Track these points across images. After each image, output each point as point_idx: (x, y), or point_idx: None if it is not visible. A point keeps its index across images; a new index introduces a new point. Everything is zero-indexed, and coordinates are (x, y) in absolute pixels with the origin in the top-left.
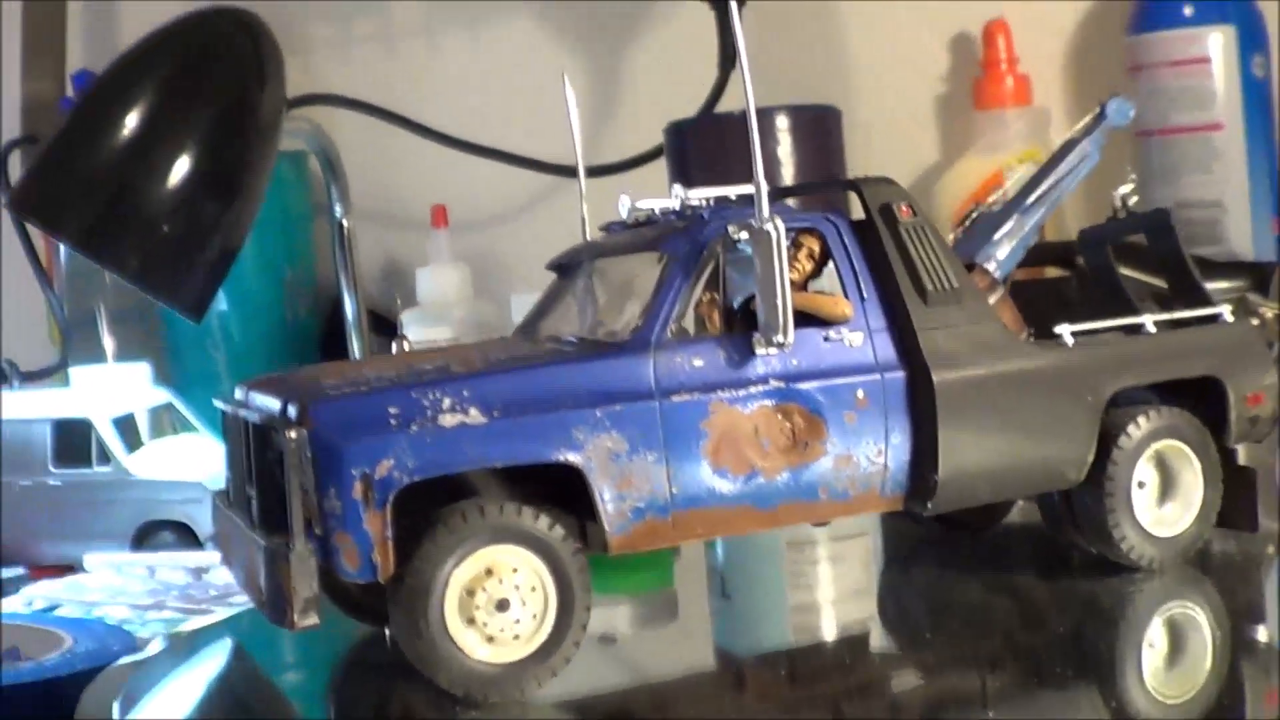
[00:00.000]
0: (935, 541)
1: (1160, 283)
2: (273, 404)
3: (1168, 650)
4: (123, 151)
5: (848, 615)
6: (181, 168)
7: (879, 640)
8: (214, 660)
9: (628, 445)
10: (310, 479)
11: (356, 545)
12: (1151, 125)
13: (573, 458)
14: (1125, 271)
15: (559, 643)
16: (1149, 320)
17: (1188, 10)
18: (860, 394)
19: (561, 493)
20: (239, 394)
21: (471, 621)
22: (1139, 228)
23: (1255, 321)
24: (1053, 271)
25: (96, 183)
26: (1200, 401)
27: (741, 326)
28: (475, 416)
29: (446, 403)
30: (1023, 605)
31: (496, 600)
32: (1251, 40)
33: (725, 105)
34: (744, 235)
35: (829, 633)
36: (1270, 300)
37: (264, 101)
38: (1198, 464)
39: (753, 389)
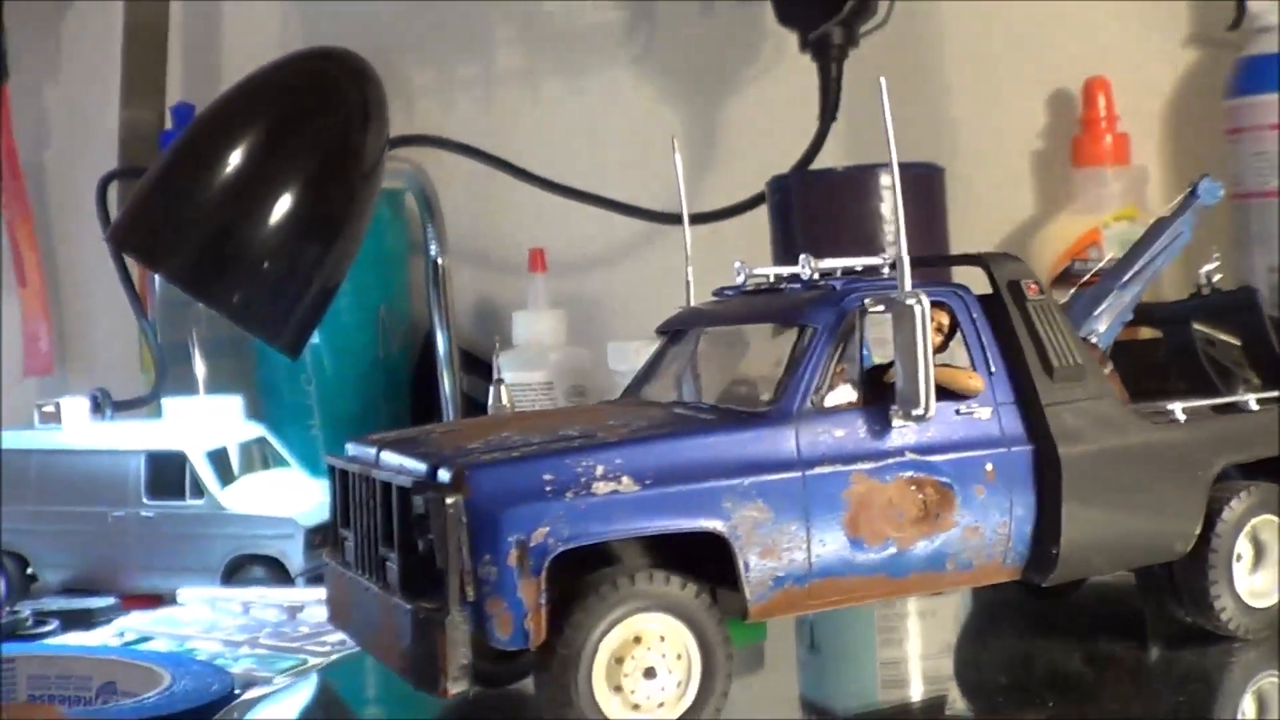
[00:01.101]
0: (1020, 601)
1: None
2: (417, 466)
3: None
4: (226, 190)
5: (935, 672)
6: (284, 207)
7: (961, 705)
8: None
9: (772, 515)
10: (465, 545)
11: (510, 612)
12: (1251, 188)
13: (720, 527)
14: (1224, 338)
15: (701, 710)
16: (1252, 399)
17: None
18: (989, 467)
19: (694, 556)
20: (359, 451)
21: (618, 689)
22: (1223, 305)
23: None
24: (1146, 333)
25: (199, 220)
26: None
27: (866, 396)
28: (628, 485)
29: (599, 470)
30: (1112, 671)
31: (645, 668)
32: None
33: (823, 158)
34: (879, 308)
35: (915, 692)
36: None
37: (367, 144)
38: None
39: (890, 461)
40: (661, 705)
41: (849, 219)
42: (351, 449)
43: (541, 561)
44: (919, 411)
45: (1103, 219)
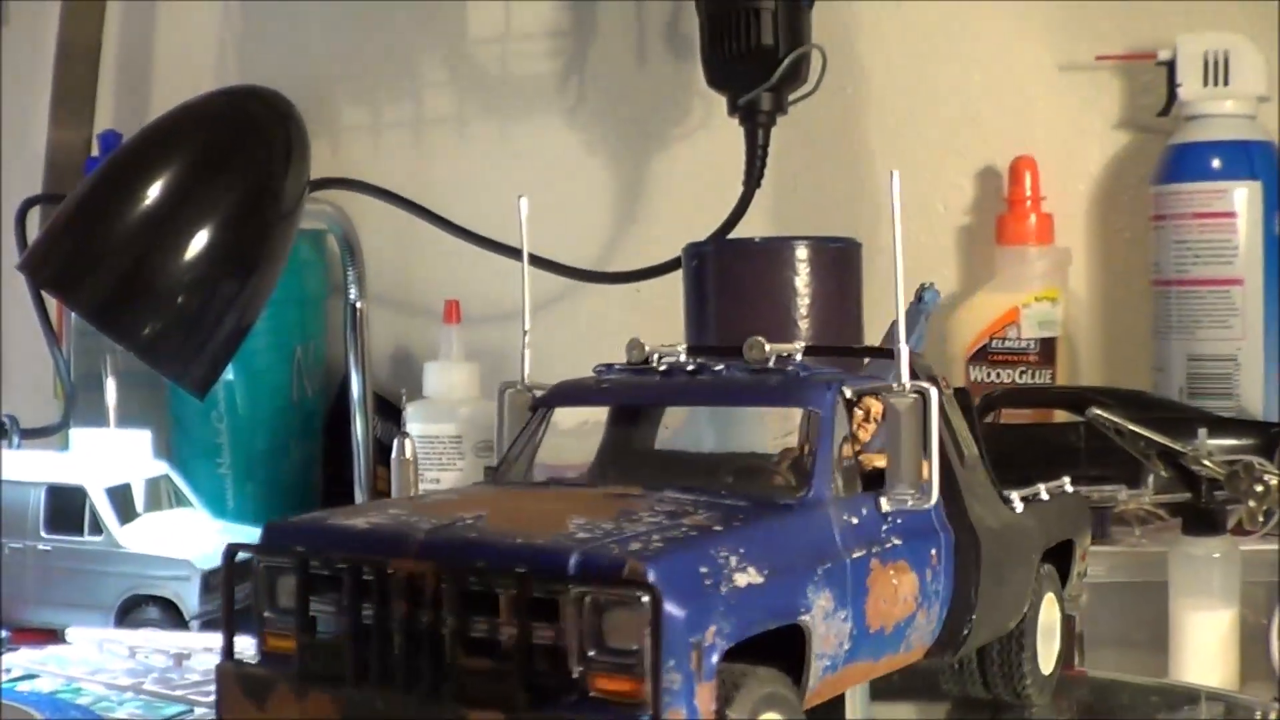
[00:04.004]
0: None
1: (1170, 442)
2: (537, 554)
3: None
4: (143, 224)
5: None
6: (200, 244)
7: None
8: None
9: (833, 604)
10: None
11: None
12: (1171, 276)
13: (805, 618)
14: (1134, 428)
15: None
16: (1043, 488)
17: (1215, 163)
18: (934, 552)
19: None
20: (337, 536)
21: None
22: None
23: (1259, 488)
24: (1061, 416)
25: (113, 253)
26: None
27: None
28: (754, 575)
29: (733, 561)
30: None
31: None
32: (1277, 197)
33: (748, 224)
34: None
35: None
36: (1274, 466)
37: (288, 184)
38: (1058, 611)
39: (887, 546)
40: None
41: (764, 290)
42: (309, 528)
43: (712, 664)
44: (921, 500)
45: (1023, 299)
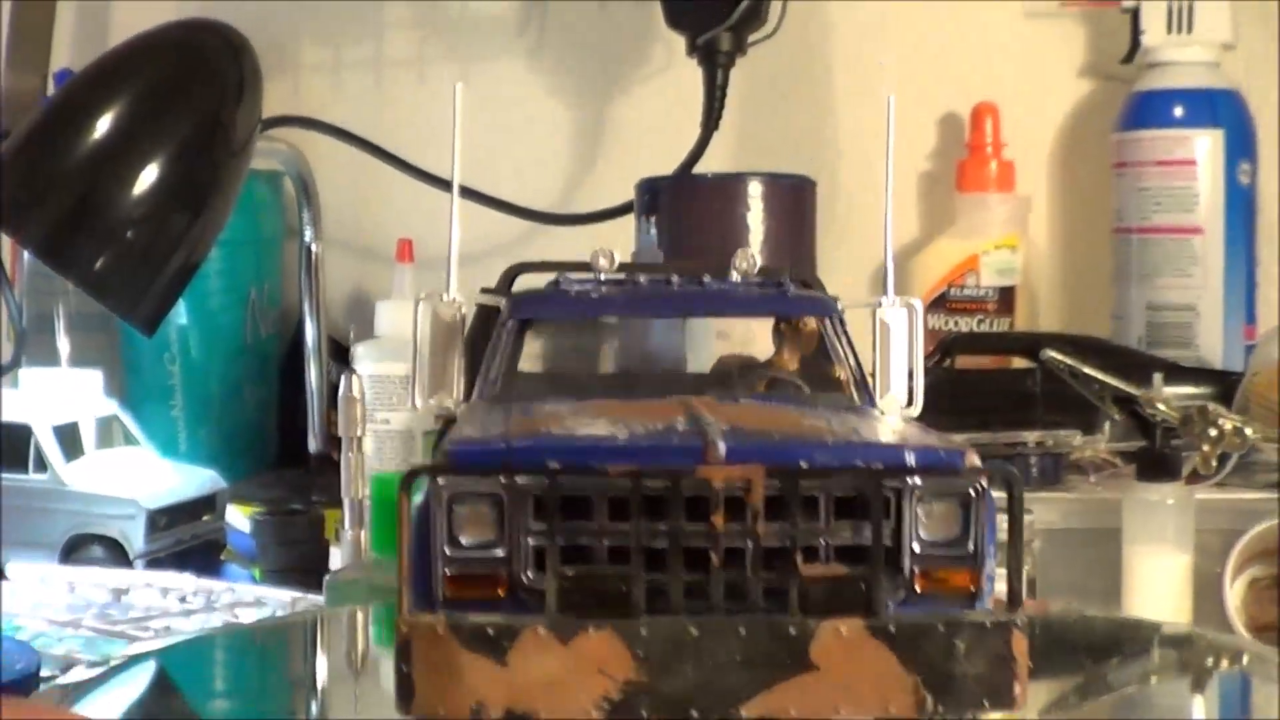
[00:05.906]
0: None
1: (1124, 385)
2: (860, 452)
3: None
4: (92, 156)
5: None
6: (150, 177)
7: None
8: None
9: None
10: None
11: None
12: (1132, 223)
13: None
14: (1088, 371)
15: None
16: None
17: (1178, 111)
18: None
19: None
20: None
21: None
22: None
23: (1213, 432)
24: (1018, 363)
25: (61, 185)
26: None
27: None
28: None
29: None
30: None
31: None
32: (1239, 146)
33: (706, 165)
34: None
35: None
36: (1232, 413)
37: (239, 119)
38: None
39: None
40: None
41: (717, 225)
42: (548, 444)
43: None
44: (910, 409)
45: (983, 246)
